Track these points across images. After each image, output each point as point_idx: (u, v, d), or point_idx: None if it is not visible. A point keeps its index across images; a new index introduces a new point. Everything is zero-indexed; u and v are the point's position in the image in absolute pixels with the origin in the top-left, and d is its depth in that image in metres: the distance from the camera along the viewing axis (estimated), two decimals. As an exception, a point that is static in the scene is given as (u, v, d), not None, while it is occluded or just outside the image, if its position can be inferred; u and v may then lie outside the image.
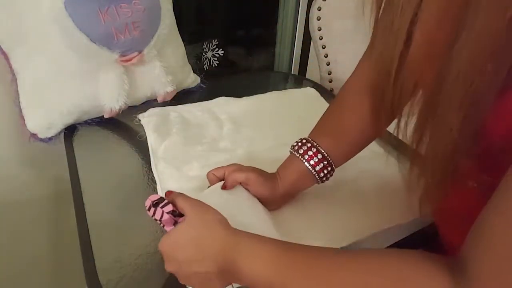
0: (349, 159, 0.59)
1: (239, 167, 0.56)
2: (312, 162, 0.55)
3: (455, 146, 0.35)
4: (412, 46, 0.41)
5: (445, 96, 0.33)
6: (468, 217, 0.46)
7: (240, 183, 0.55)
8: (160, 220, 0.44)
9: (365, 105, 0.55)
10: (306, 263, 0.39)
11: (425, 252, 0.37)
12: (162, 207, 0.44)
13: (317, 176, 0.56)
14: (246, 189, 0.55)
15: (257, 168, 0.57)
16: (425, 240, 0.59)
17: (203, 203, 0.44)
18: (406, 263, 0.36)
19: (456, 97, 0.32)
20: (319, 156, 0.55)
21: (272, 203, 0.57)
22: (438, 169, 0.38)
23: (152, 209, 0.44)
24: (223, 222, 0.42)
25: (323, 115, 0.60)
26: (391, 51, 0.43)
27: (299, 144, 0.57)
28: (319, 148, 0.55)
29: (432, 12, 0.37)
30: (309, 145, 0.56)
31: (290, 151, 0.58)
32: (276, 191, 0.56)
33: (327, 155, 0.55)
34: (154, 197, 0.45)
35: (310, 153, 0.55)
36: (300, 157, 0.55)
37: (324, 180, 0.57)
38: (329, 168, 0.56)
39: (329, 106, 0.61)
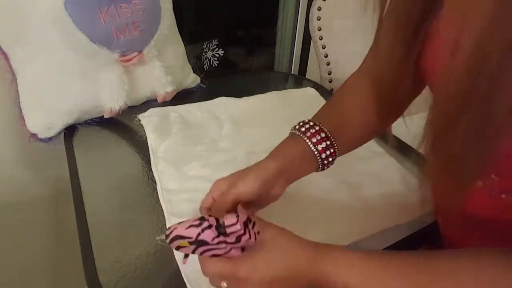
0: (350, 149, 0.57)
1: (223, 189, 0.50)
2: (314, 140, 0.50)
3: (492, 138, 0.33)
4: None
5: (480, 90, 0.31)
6: (473, 217, 0.46)
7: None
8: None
9: (370, 100, 0.54)
10: (399, 266, 0.38)
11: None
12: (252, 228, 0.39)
13: (318, 157, 0.51)
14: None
15: (240, 173, 0.51)
16: (425, 240, 0.59)
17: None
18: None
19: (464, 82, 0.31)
20: (322, 134, 0.50)
21: (269, 196, 0.51)
22: (454, 169, 0.37)
23: (247, 230, 0.38)
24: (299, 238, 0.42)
25: (326, 104, 0.57)
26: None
27: (301, 123, 0.53)
28: (323, 127, 0.51)
29: None
30: (311, 123, 0.52)
31: (291, 131, 0.54)
32: (269, 182, 0.49)
33: (331, 136, 0.51)
34: (231, 220, 0.38)
35: (312, 130, 0.51)
36: (301, 135, 0.51)
37: (326, 165, 0.52)
38: (332, 150, 0.51)
39: (332, 96, 0.59)
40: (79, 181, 0.64)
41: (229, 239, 0.37)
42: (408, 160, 0.73)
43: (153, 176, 0.65)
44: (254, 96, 0.92)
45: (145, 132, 0.75)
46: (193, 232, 0.37)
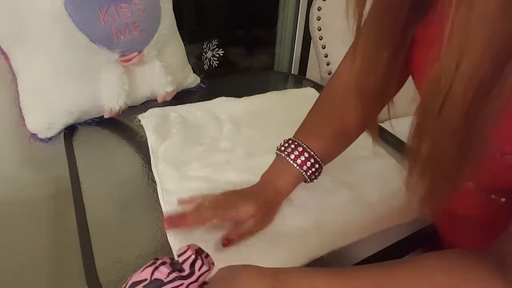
0: (337, 155, 0.60)
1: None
2: (299, 161, 0.54)
3: (457, 151, 0.34)
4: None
5: (448, 99, 0.32)
6: (466, 217, 0.46)
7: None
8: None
9: (349, 107, 0.56)
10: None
11: (468, 251, 0.37)
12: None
13: (305, 174, 0.55)
14: None
15: (239, 197, 0.54)
16: (425, 240, 0.59)
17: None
18: (463, 265, 0.36)
19: (460, 102, 0.32)
20: (306, 154, 0.55)
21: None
22: (439, 173, 0.37)
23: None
24: (257, 268, 0.40)
25: (306, 117, 0.60)
26: None
27: (285, 145, 0.57)
28: (306, 147, 0.55)
29: None
30: (296, 143, 0.56)
31: (276, 152, 0.58)
32: (266, 207, 0.54)
33: (314, 154, 0.55)
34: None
35: (296, 152, 0.55)
36: (287, 157, 0.55)
37: (313, 179, 0.57)
38: (317, 166, 0.55)
39: (311, 109, 0.61)
40: (79, 181, 0.64)
41: (184, 272, 0.37)
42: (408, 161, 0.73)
43: (153, 176, 0.65)
44: (254, 96, 0.92)
45: (145, 133, 0.75)
46: (147, 273, 0.37)
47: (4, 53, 0.73)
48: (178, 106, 0.86)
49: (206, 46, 1.12)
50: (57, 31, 0.71)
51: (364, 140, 0.77)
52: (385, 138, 0.80)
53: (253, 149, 0.73)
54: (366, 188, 0.64)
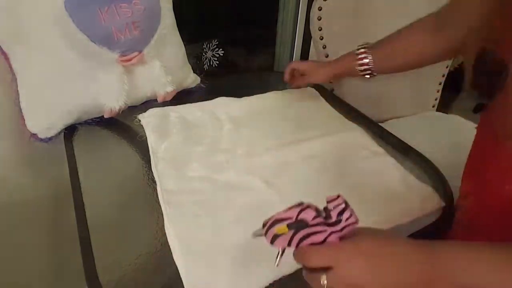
0: (393, 67, 0.76)
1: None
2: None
3: None
4: None
5: None
6: (499, 225, 0.46)
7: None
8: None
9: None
10: None
11: None
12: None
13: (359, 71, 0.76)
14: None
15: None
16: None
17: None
18: None
19: None
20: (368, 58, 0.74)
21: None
22: None
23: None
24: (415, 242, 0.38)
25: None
26: None
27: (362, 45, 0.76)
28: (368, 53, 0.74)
29: None
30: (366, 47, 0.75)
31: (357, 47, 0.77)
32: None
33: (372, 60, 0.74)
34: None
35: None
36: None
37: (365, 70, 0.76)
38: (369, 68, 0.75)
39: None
40: (79, 181, 0.64)
41: (330, 220, 0.36)
42: (408, 160, 0.73)
43: (153, 176, 0.65)
44: (254, 96, 0.92)
45: (145, 133, 0.75)
46: (292, 213, 0.36)
47: (4, 53, 0.73)
48: (178, 106, 0.86)
49: (206, 46, 1.12)
50: (57, 31, 0.71)
51: (364, 140, 0.78)
52: (385, 138, 0.80)
53: (253, 149, 0.73)
54: (366, 187, 0.64)
